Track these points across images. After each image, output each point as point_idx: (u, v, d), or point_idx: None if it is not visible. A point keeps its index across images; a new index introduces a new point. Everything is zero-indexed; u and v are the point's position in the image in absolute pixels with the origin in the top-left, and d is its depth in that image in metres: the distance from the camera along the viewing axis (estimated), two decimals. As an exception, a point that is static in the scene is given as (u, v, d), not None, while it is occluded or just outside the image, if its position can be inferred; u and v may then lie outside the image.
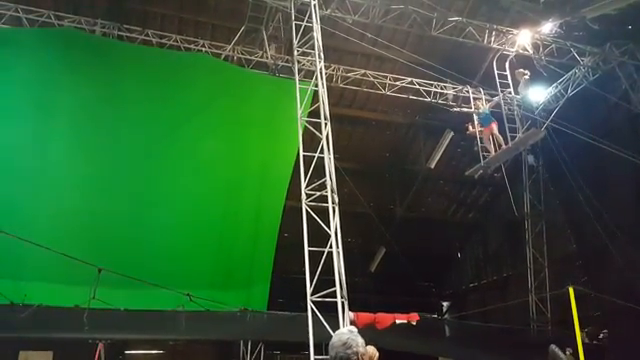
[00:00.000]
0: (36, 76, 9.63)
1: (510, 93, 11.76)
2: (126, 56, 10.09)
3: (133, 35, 10.22)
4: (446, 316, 16.72)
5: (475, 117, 11.67)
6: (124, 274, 8.41)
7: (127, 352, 14.29)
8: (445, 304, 17.03)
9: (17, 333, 9.67)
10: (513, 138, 11.51)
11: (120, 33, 10.14)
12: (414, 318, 10.57)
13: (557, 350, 9.74)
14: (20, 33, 9.62)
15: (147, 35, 10.21)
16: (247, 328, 10.64)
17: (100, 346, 11.11)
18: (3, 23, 9.52)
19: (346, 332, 2.72)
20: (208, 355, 14.72)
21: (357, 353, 2.64)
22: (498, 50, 11.36)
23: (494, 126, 10.72)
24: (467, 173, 12.19)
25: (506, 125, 11.66)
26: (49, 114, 9.83)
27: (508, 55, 11.58)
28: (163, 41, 10.30)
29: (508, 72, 11.74)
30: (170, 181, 10.74)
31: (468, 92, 12.01)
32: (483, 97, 12.02)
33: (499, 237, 15.02)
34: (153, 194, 10.60)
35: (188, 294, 9.04)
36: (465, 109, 11.73)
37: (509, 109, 12.07)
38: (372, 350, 3.77)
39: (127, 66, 10.06)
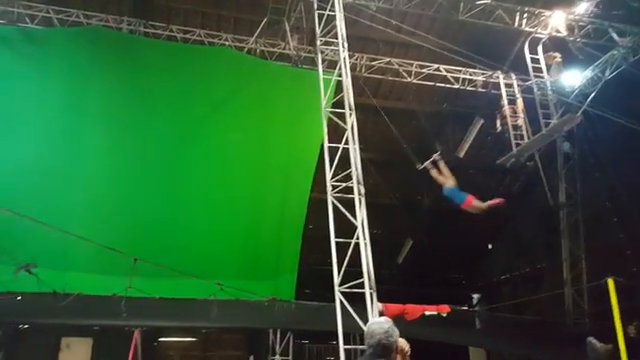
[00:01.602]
0: (67, 73, 9.99)
1: (543, 78, 11.35)
2: (152, 52, 10.31)
3: (158, 31, 10.40)
4: (477, 308, 16.42)
5: (505, 102, 11.36)
6: (158, 264, 8.73)
7: (161, 339, 14.82)
8: (475, 296, 16.71)
9: (60, 320, 10.22)
10: (547, 125, 11.16)
11: (146, 30, 10.34)
12: (445, 310, 10.49)
13: (595, 342, 9.39)
14: (51, 33, 9.97)
15: (171, 31, 10.38)
16: (276, 317, 10.83)
17: (136, 333, 11.58)
18: (36, 24, 9.87)
19: (385, 321, 2.82)
20: (238, 344, 15.07)
21: (396, 342, 2.75)
22: (530, 33, 10.91)
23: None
24: (499, 162, 11.86)
25: (539, 111, 11.33)
26: (81, 110, 10.19)
27: (540, 38, 11.13)
28: (187, 36, 10.44)
29: (541, 56, 11.32)
30: (197, 174, 10.96)
31: (498, 78, 11.63)
32: (515, 82, 11.64)
33: (532, 228, 14.54)
34: (182, 186, 10.86)
35: (219, 283, 9.30)
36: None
37: (542, 94, 11.66)
38: (403, 342, 3.77)
39: (153, 62, 10.30)
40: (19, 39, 9.82)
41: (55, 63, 9.96)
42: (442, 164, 9.52)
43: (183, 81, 10.40)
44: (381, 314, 7.43)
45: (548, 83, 11.44)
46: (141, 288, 9.04)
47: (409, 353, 3.29)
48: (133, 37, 10.30)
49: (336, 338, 7.19)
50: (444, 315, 10.51)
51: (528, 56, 11.35)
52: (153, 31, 10.35)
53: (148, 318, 10.35)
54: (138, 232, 10.33)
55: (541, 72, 11.44)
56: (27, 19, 9.83)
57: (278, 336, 13.63)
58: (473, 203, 8.85)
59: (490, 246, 15.81)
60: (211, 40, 10.54)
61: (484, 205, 8.83)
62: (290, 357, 13.53)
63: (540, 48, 11.38)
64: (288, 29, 10.56)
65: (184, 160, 10.84)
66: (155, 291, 9.48)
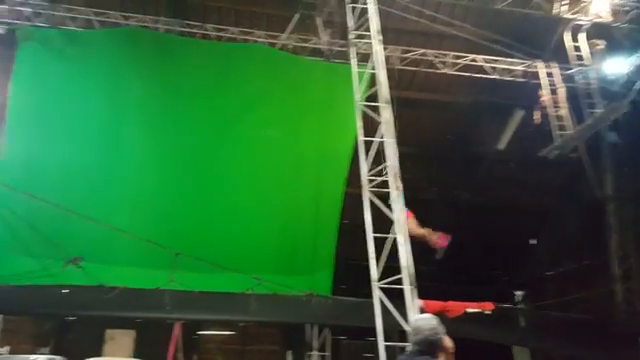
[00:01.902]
0: (107, 73, 10.40)
1: (586, 66, 10.89)
2: (187, 50, 10.58)
3: (193, 30, 10.62)
4: (520, 305, 15.88)
5: (545, 92, 10.97)
6: (198, 258, 8.94)
7: (200, 332, 15.10)
8: (518, 293, 16.15)
9: (105, 312, 10.61)
10: (592, 114, 10.71)
11: (181, 29, 10.59)
12: (488, 307, 10.26)
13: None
14: (91, 34, 10.36)
15: (206, 29, 10.58)
16: (313, 312, 10.85)
17: (177, 326, 11.88)
18: (77, 26, 10.29)
19: (431, 318, 2.79)
20: (276, 338, 15.16)
21: (442, 340, 2.72)
22: (570, 20, 10.51)
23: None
24: (541, 154, 11.45)
25: (583, 101, 10.88)
26: (121, 108, 10.59)
27: (582, 25, 10.70)
28: (221, 34, 10.61)
29: (583, 43, 10.87)
30: (233, 170, 11.15)
31: (538, 67, 11.21)
32: (556, 71, 11.20)
33: (578, 222, 13.89)
34: (219, 183, 11.09)
35: (257, 277, 9.42)
36: None
37: (586, 83, 11.19)
38: (448, 340, 3.71)
39: (188, 60, 10.56)
40: (61, 41, 10.28)
41: (95, 63, 10.38)
42: None
43: (218, 78, 10.62)
44: (421, 311, 7.30)
45: (592, 71, 10.96)
46: (182, 282, 9.29)
47: (452, 351, 3.23)
48: (169, 36, 10.57)
49: (374, 335, 7.16)
50: (487, 313, 10.27)
51: (569, 44, 10.93)
52: (188, 30, 10.57)
53: (189, 311, 10.53)
54: (179, 227, 10.61)
55: (583, 60, 11.00)
56: (69, 22, 10.24)
57: (315, 331, 13.64)
58: (408, 221, 8.12)
59: (534, 241, 15.24)
60: (244, 37, 10.68)
61: (421, 232, 8.44)
62: (328, 353, 13.53)
63: (582, 35, 10.94)
64: (320, 24, 10.58)
65: (220, 157, 11.07)
66: (195, 285, 9.68)
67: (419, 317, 2.87)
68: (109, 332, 14.77)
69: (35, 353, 14.03)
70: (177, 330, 11.92)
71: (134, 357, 13.37)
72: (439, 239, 8.66)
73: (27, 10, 10.00)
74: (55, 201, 9.22)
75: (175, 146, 10.82)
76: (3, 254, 9.87)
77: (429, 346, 2.67)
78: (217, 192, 11.12)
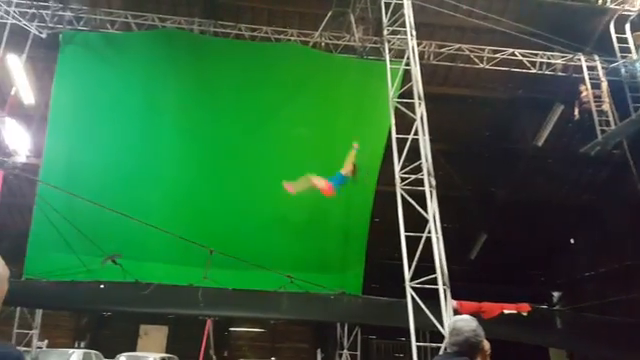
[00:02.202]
0: (144, 74, 10.56)
1: (631, 59, 10.42)
2: (222, 50, 10.64)
3: (227, 30, 10.71)
4: (557, 307, 15.42)
5: (588, 86, 10.55)
6: (232, 255, 8.99)
7: (231, 329, 15.28)
8: (556, 294, 15.69)
9: (140, 308, 10.81)
10: (636, 109, 10.25)
11: (215, 29, 10.69)
12: (525, 309, 9.94)
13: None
14: (129, 37, 10.57)
15: (239, 29, 10.64)
16: (343, 311, 10.78)
17: (209, 322, 12.03)
18: (116, 29, 10.53)
19: (471, 319, 2.70)
20: (306, 336, 15.21)
21: (482, 341, 2.65)
22: (616, 11, 10.06)
23: None
24: (582, 150, 11.05)
25: (628, 95, 10.43)
26: (157, 108, 10.74)
27: (628, 16, 10.23)
28: (254, 34, 10.65)
29: (629, 35, 10.40)
30: (266, 169, 11.14)
31: (580, 60, 10.81)
32: (599, 64, 10.76)
33: (620, 221, 13.37)
34: (252, 182, 11.09)
35: (289, 276, 9.41)
36: None
37: (631, 77, 10.71)
38: (486, 342, 3.63)
39: (223, 60, 10.62)
40: (101, 44, 10.53)
41: (133, 65, 10.58)
42: None
43: (251, 78, 10.64)
44: (456, 312, 7.18)
45: (638, 64, 10.48)
46: (216, 279, 9.35)
47: (489, 353, 3.12)
48: (204, 37, 10.67)
49: (404, 334, 7.05)
50: (524, 314, 9.99)
51: (614, 36, 10.47)
52: (222, 30, 10.66)
53: (222, 308, 10.64)
54: (213, 226, 10.69)
55: (629, 53, 10.53)
56: (108, 25, 10.49)
57: (346, 330, 13.61)
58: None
59: (572, 241, 14.73)
60: (277, 36, 10.70)
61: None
62: (358, 352, 13.48)
63: (628, 26, 10.46)
64: (353, 20, 10.46)
65: (254, 156, 11.09)
66: (228, 282, 9.71)
67: (458, 318, 2.76)
68: (143, 327, 15.13)
69: (72, 347, 14.55)
70: (209, 326, 12.09)
71: (167, 352, 13.66)
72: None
73: (68, 15, 10.25)
74: (94, 200, 9.40)
75: (210, 145, 10.92)
76: (44, 251, 10.17)
77: (469, 348, 2.60)
78: (250, 191, 11.14)
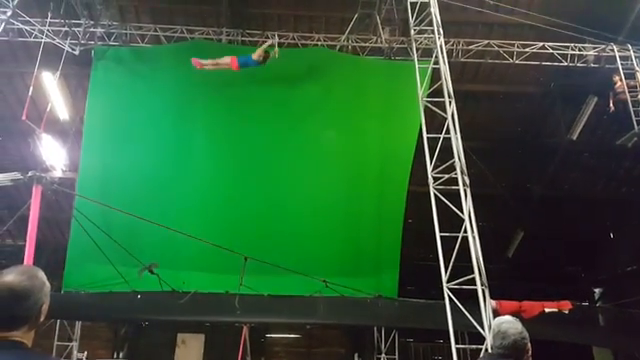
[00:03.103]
0: (175, 87, 10.69)
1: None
2: (250, 59, 10.72)
3: (255, 39, 10.81)
4: (599, 304, 15.01)
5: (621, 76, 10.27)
6: (267, 262, 9.03)
7: (267, 335, 15.30)
8: (597, 291, 15.27)
9: (177, 317, 10.92)
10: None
11: (243, 38, 10.83)
12: (566, 306, 9.74)
13: None
14: (159, 50, 10.78)
15: (267, 37, 10.70)
16: (379, 315, 10.71)
17: (245, 329, 12.08)
18: (146, 42, 10.76)
19: (516, 321, 2.70)
20: (342, 341, 15.13)
21: (528, 343, 2.63)
22: (647, -3, 9.80)
23: None
24: (619, 142, 10.75)
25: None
26: (189, 119, 10.85)
27: (663, 0, 9.95)
28: (281, 40, 10.69)
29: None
30: (297, 173, 11.18)
31: (613, 51, 10.55)
32: (632, 54, 10.48)
33: (661, 213, 13.01)
34: (283, 187, 11.12)
35: (324, 280, 9.40)
36: None
37: (668, 65, 10.41)
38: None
39: (251, 69, 10.68)
40: (132, 58, 10.75)
41: (164, 78, 10.73)
42: None
43: (280, 84, 10.71)
44: (495, 312, 7.07)
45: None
46: (251, 286, 9.38)
47: (530, 353, 3.09)
48: (232, 47, 10.78)
49: (442, 337, 6.98)
50: (565, 312, 9.76)
51: (649, 22, 10.19)
52: (250, 39, 10.79)
53: (258, 315, 10.65)
54: (248, 233, 10.71)
55: (664, 39, 10.24)
56: (138, 39, 10.71)
57: (383, 334, 13.49)
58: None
59: (612, 235, 14.35)
60: (304, 42, 10.75)
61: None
62: (396, 356, 13.34)
63: (662, 12, 10.17)
64: (379, 22, 10.46)
65: (285, 161, 11.13)
66: (263, 288, 9.78)
67: (503, 320, 2.74)
68: (180, 336, 15.26)
69: (112, 358, 14.78)
70: (245, 333, 12.13)
71: (204, 360, 13.80)
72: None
73: (100, 31, 10.50)
74: (129, 210, 9.56)
75: (241, 153, 10.99)
76: (81, 263, 10.35)
77: (516, 350, 2.58)
78: (283, 196, 11.18)
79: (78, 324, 13.33)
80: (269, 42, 9.70)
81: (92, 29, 10.51)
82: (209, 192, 10.90)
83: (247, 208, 10.95)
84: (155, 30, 10.64)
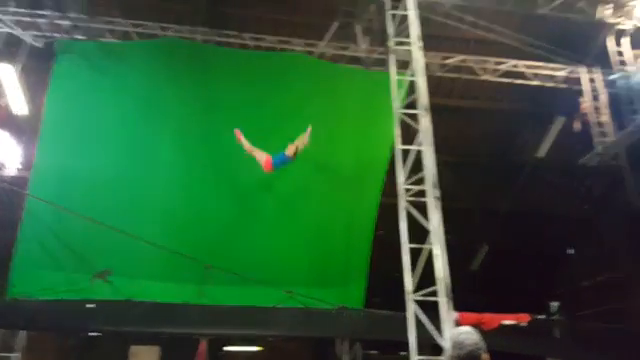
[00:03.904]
0: (144, 85, 10.23)
1: (629, 71, 10.65)
2: (225, 60, 10.39)
3: (231, 40, 10.49)
4: (556, 317, 15.52)
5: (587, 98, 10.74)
6: (229, 271, 8.73)
7: (226, 349, 14.82)
8: (554, 304, 15.82)
9: (131, 328, 10.38)
10: (633, 121, 10.46)
11: (219, 39, 10.46)
12: (524, 319, 9.96)
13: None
14: (129, 46, 10.25)
15: (244, 39, 10.45)
16: (345, 326, 10.52)
17: (203, 342, 11.64)
18: (115, 38, 10.23)
19: (473, 332, 2.74)
20: (304, 353, 14.86)
21: (484, 354, 2.67)
22: (614, 25, 10.30)
23: None
24: (581, 162, 11.25)
25: (625, 107, 10.64)
26: (157, 120, 10.39)
27: (626, 29, 10.47)
28: (259, 43, 10.48)
29: (626, 48, 10.65)
30: (266, 180, 10.92)
31: (580, 73, 11.01)
32: (598, 77, 10.97)
33: (617, 231, 13.61)
34: (253, 193, 10.85)
35: (289, 291, 9.18)
36: None
37: (629, 89, 10.93)
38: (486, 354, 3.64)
39: (226, 70, 10.38)
40: (99, 53, 10.16)
41: (132, 75, 10.23)
42: None
43: (255, 88, 10.45)
44: (456, 323, 7.13)
45: (634, 77, 10.74)
46: (212, 296, 9.10)
47: None
48: (207, 47, 10.42)
49: (406, 348, 7.06)
50: (523, 324, 10.00)
51: (612, 49, 10.70)
52: (226, 40, 10.45)
53: (218, 326, 10.18)
54: (209, 240, 10.36)
55: (626, 65, 10.76)
56: (107, 34, 10.18)
57: (346, 346, 13.36)
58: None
59: (571, 251, 14.94)
60: (282, 46, 10.55)
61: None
62: (358, 368, 13.24)
63: (625, 40, 10.71)
64: (359, 31, 10.45)
65: (254, 168, 10.83)
66: (225, 299, 9.46)
67: (460, 331, 2.79)
68: (133, 348, 14.51)
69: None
70: (203, 346, 11.70)
71: (158, 374, 13.18)
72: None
73: (66, 23, 9.91)
74: (84, 214, 9.06)
75: (209, 158, 10.61)
76: (28, 268, 9.62)
77: None
78: (250, 204, 10.90)
79: (22, 334, 12.41)
80: (303, 139, 9.21)
81: (58, 21, 9.90)
82: (172, 198, 10.43)
83: (211, 215, 10.55)
84: (126, 25, 10.16)
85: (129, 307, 9.01)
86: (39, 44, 9.78)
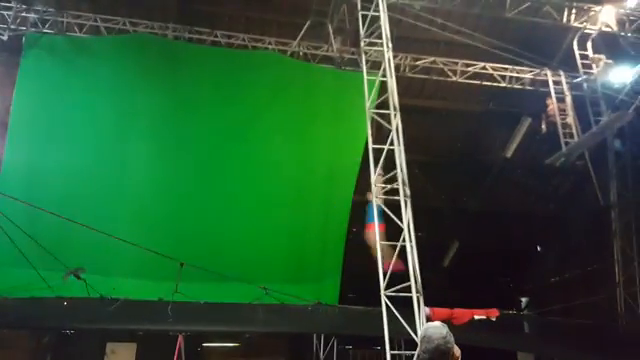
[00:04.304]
0: (114, 81, 10.16)
1: (593, 74, 11.00)
2: (196, 57, 10.39)
3: (202, 37, 10.48)
4: (525, 312, 15.96)
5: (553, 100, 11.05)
6: (204, 268, 8.75)
7: (204, 345, 14.81)
8: (524, 300, 16.26)
9: (106, 325, 10.32)
10: (597, 122, 10.82)
11: (190, 35, 10.45)
12: (493, 314, 10.24)
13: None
14: (99, 41, 10.16)
15: (215, 36, 10.44)
16: (320, 322, 10.68)
17: (180, 338, 11.61)
18: (84, 32, 10.08)
19: (442, 326, 2.75)
20: (281, 349, 14.94)
21: (453, 348, 2.68)
22: (578, 29, 10.61)
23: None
24: (547, 161, 11.54)
25: (590, 109, 10.98)
26: (128, 116, 10.34)
27: (590, 34, 10.80)
28: (231, 41, 10.48)
29: (590, 52, 10.97)
30: (241, 178, 10.97)
31: (547, 75, 11.31)
32: (564, 79, 11.31)
33: (582, 229, 14.03)
34: (226, 191, 10.87)
35: (264, 287, 9.26)
36: None
37: (592, 92, 11.30)
38: (455, 348, 3.73)
39: (197, 67, 10.37)
40: (68, 48, 10.05)
41: (101, 71, 10.14)
42: None
43: (227, 86, 10.46)
44: (428, 318, 7.30)
45: (597, 80, 11.09)
46: (187, 293, 9.05)
47: (459, 358, 3.16)
48: (178, 43, 10.41)
49: (380, 343, 7.16)
50: (493, 319, 10.27)
51: (577, 52, 11.02)
52: (198, 37, 10.43)
53: (194, 323, 10.27)
54: (184, 237, 10.37)
55: (591, 68, 11.11)
56: (76, 28, 10.04)
57: (322, 341, 13.50)
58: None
59: (539, 248, 15.35)
60: (255, 44, 10.58)
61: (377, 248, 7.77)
62: (334, 363, 13.39)
63: (589, 44, 11.03)
64: (331, 31, 10.53)
65: (228, 165, 10.87)
66: (200, 296, 9.47)
67: (429, 325, 2.83)
68: (110, 345, 14.37)
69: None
70: (180, 342, 11.67)
71: (136, 371, 13.10)
72: (394, 263, 8.25)
73: (33, 16, 9.75)
74: (56, 211, 8.95)
75: (181, 155, 10.62)
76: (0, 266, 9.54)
77: (440, 355, 2.65)
78: (224, 201, 10.92)
79: (-7, 332, 12.21)
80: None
81: (24, 14, 9.75)
82: (144, 194, 10.42)
83: (185, 212, 10.57)
84: (95, 20, 10.03)
85: (103, 304, 8.96)
86: (4, 37, 9.60)
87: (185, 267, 8.81)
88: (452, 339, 2.68)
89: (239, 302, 9.77)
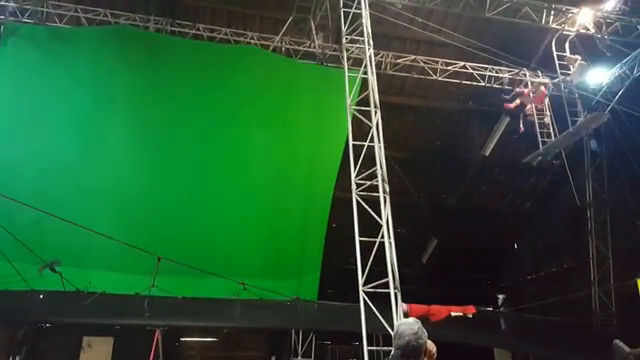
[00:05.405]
0: (94, 72, 10.06)
1: (570, 75, 11.20)
2: (178, 50, 10.34)
3: (185, 30, 10.44)
4: (502, 309, 16.19)
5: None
6: (181, 262, 8.70)
7: (182, 339, 14.76)
8: (501, 297, 16.48)
9: (82, 319, 10.22)
10: (574, 122, 11.02)
11: (172, 28, 10.40)
12: (470, 311, 10.36)
13: (622, 345, 9.14)
14: (79, 32, 10.08)
15: (198, 29, 10.41)
16: (299, 318, 10.70)
17: (157, 333, 11.55)
18: (64, 23, 9.96)
19: (414, 322, 2.78)
20: (260, 344, 14.96)
21: (425, 344, 2.72)
22: (557, 30, 10.78)
23: None
24: (525, 160, 11.75)
25: (567, 109, 11.17)
26: (107, 108, 10.25)
27: (568, 35, 10.98)
28: (213, 35, 10.46)
29: (568, 53, 11.17)
30: (221, 173, 10.94)
31: (525, 75, 11.51)
32: (542, 80, 11.50)
33: (559, 227, 14.32)
34: (206, 185, 10.85)
35: (242, 283, 9.25)
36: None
37: (569, 92, 11.51)
38: (430, 344, 3.75)
39: (179, 60, 10.32)
40: (48, 39, 9.92)
41: (81, 62, 10.04)
42: None
43: (209, 79, 10.43)
44: (406, 315, 7.39)
45: (574, 82, 11.29)
46: (164, 287, 9.02)
47: (436, 355, 3.19)
48: (160, 36, 10.35)
49: (358, 339, 7.15)
50: (470, 316, 10.39)
51: (555, 53, 11.21)
52: (180, 30, 10.39)
53: (171, 318, 10.22)
54: (162, 231, 10.32)
55: (569, 69, 11.30)
56: (56, 18, 9.92)
57: (300, 337, 13.56)
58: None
59: (516, 246, 15.59)
60: (237, 39, 10.56)
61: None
62: (312, 358, 13.45)
63: (567, 45, 11.22)
64: (314, 27, 10.58)
65: (209, 159, 10.84)
66: (178, 290, 9.43)
67: (402, 321, 2.88)
68: (86, 339, 14.23)
69: (6, 362, 13.46)
70: (157, 337, 11.60)
71: (113, 365, 12.99)
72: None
73: (12, 5, 9.61)
74: (31, 203, 8.82)
75: (161, 147, 10.55)
76: (-28, 258, 9.40)
77: (412, 351, 2.67)
78: (203, 195, 10.88)
79: (-34, 325, 12.00)
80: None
81: (3, 2, 9.60)
82: (122, 187, 10.32)
83: (163, 205, 10.52)
84: (76, 11, 9.92)
85: (80, 298, 8.88)
86: (-19, 26, 9.40)
87: (162, 261, 8.77)
88: (425, 335, 2.69)
89: (217, 297, 9.74)
